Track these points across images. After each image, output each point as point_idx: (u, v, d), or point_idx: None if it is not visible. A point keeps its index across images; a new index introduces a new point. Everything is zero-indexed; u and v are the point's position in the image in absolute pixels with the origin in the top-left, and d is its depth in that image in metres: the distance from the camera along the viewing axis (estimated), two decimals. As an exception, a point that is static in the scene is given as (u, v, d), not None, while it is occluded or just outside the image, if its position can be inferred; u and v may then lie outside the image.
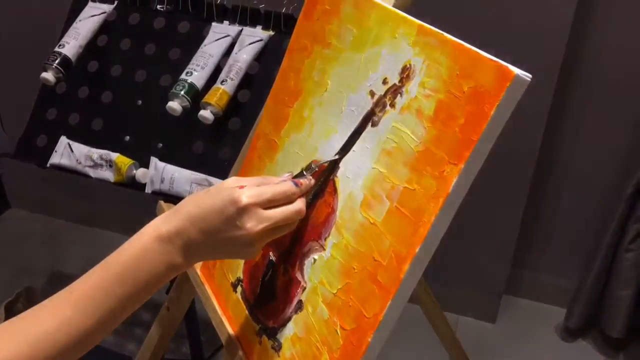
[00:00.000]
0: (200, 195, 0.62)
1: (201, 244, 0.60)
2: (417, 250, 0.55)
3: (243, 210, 0.59)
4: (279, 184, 0.63)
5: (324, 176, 0.68)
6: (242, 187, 0.60)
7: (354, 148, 0.65)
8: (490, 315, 1.74)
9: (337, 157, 0.67)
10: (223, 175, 1.01)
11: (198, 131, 1.08)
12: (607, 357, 1.61)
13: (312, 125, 0.72)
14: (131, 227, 2.15)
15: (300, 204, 0.64)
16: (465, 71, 0.53)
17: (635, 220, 1.40)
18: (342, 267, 0.63)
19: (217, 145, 1.08)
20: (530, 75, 0.49)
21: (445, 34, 0.56)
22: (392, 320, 0.58)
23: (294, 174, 0.67)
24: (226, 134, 1.07)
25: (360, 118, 0.65)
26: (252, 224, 0.59)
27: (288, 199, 0.63)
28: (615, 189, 1.51)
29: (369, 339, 0.58)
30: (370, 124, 0.63)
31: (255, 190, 0.60)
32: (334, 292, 0.63)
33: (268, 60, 1.08)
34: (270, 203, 0.61)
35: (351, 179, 0.64)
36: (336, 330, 0.62)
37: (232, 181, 0.62)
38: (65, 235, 2.10)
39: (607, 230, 1.48)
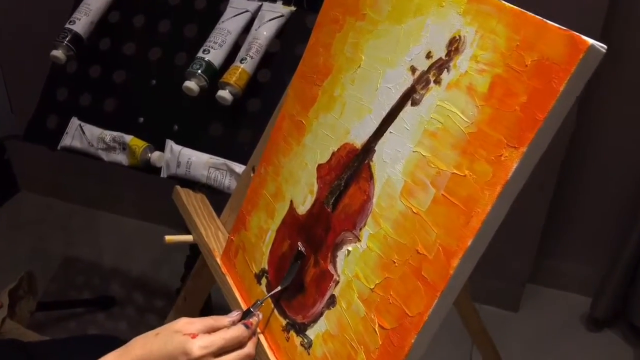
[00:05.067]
0: (149, 339, 0.63)
1: None
2: (469, 243, 0.49)
3: None
4: (231, 329, 0.65)
5: (358, 160, 0.63)
6: (194, 335, 0.62)
7: (390, 129, 0.59)
8: (513, 304, 1.68)
9: (279, 288, 0.68)
10: (243, 160, 0.96)
11: (216, 113, 1.02)
12: (634, 348, 1.56)
13: (344, 105, 0.66)
14: (146, 212, 2.11)
15: (250, 348, 0.66)
16: (528, 42, 0.47)
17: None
18: (381, 260, 0.57)
19: (236, 128, 1.02)
20: (605, 46, 0.43)
21: (503, 1, 0.49)
22: (438, 320, 0.53)
23: (244, 310, 0.69)
24: (245, 116, 1.02)
25: (399, 96, 0.59)
26: None
27: (240, 344, 0.65)
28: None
29: (412, 340, 0.53)
30: (409, 102, 0.58)
31: (207, 340, 0.62)
32: (371, 287, 0.58)
33: (289, 38, 1.02)
34: (222, 350, 0.63)
35: (389, 163, 0.58)
36: (374, 329, 0.57)
37: (182, 324, 0.63)
38: (77, 219, 2.06)
39: (637, 217, 1.41)
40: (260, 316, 0.70)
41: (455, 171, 0.51)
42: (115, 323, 1.72)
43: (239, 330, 0.65)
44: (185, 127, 1.05)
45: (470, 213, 0.49)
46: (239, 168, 0.97)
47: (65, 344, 1.05)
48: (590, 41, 0.43)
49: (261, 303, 0.70)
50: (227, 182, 0.98)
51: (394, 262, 0.56)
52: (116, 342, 1.02)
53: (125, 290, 1.82)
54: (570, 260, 1.68)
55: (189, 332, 0.62)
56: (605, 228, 1.61)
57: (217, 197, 1.00)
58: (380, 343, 0.56)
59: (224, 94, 0.97)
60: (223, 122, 1.03)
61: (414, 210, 0.55)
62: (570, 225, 1.64)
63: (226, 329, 0.65)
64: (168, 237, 0.89)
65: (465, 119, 0.51)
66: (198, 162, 1.00)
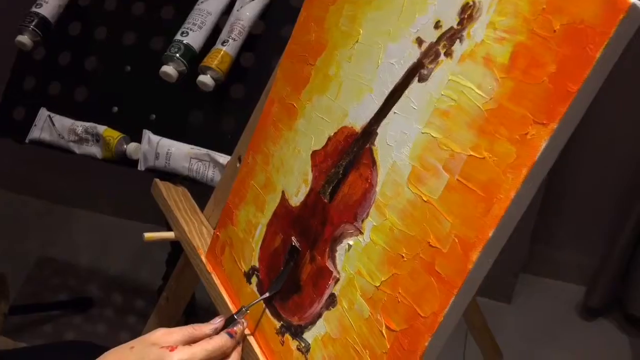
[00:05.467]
0: (124, 353, 0.57)
1: None
2: (490, 234, 0.43)
3: None
4: (213, 339, 0.60)
5: (358, 145, 0.57)
6: (172, 348, 0.57)
7: (394, 109, 0.53)
8: (506, 295, 1.65)
9: (267, 294, 0.63)
10: (227, 150, 0.89)
11: (197, 100, 0.95)
12: (630, 337, 1.53)
13: (340, 84, 0.60)
14: (124, 209, 2.02)
15: (236, 357, 0.62)
16: (556, 4, 0.41)
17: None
18: (387, 255, 0.52)
19: (219, 116, 0.95)
20: (647, 6, 0.38)
21: (524, -41, 0.44)
22: (455, 320, 0.47)
23: (226, 317, 0.64)
24: (229, 103, 0.95)
25: (404, 72, 0.53)
26: None
27: (223, 355, 0.60)
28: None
29: (426, 344, 0.47)
30: (416, 78, 0.52)
31: (187, 353, 0.57)
32: (377, 284, 0.52)
33: (274, 19, 0.95)
34: None
35: (394, 147, 0.53)
36: (381, 331, 0.51)
37: (159, 336, 0.58)
38: (52, 217, 1.97)
39: (632, 205, 1.38)
40: (246, 324, 0.65)
41: (472, 153, 0.45)
42: (94, 326, 1.64)
43: (222, 340, 0.60)
44: (164, 116, 0.98)
45: (491, 200, 0.43)
46: (223, 159, 0.90)
47: (39, 353, 0.98)
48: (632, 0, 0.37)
49: (246, 310, 0.64)
50: (211, 174, 0.92)
51: (402, 257, 0.50)
52: (93, 348, 0.95)
53: (104, 291, 1.74)
54: (564, 249, 1.65)
55: (167, 344, 0.57)
56: (600, 216, 1.58)
57: (200, 191, 0.93)
58: (389, 347, 0.50)
59: (205, 79, 0.90)
60: (204, 110, 0.96)
61: (424, 199, 0.49)
62: (564, 214, 1.61)
63: (208, 339, 0.60)
64: (147, 235, 0.82)
65: (483, 95, 0.45)
66: (178, 153, 0.93)
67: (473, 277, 0.45)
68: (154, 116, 0.98)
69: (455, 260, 0.46)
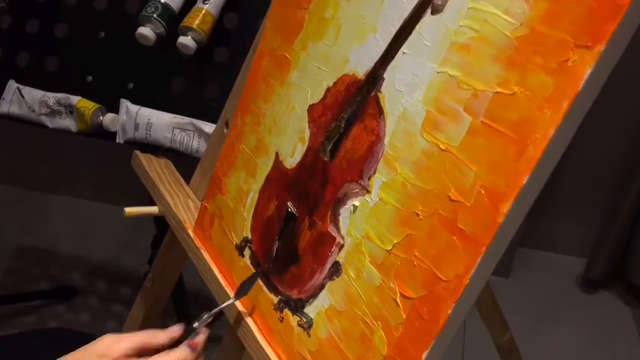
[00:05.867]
0: None
1: None
2: (524, 180, 0.37)
3: None
4: (171, 353, 0.53)
5: (361, 94, 0.50)
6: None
7: (404, 49, 0.47)
8: (504, 269, 1.60)
9: (232, 301, 0.58)
10: (212, 118, 0.82)
11: (177, 65, 0.88)
12: (632, 308, 1.50)
13: (339, 28, 0.53)
14: (105, 193, 1.92)
15: None
16: None
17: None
18: (399, 214, 0.45)
19: (202, 82, 0.88)
20: None
21: None
22: (481, 283, 0.41)
23: (185, 327, 0.57)
24: (212, 68, 0.88)
25: (413, 5, 0.46)
26: None
27: None
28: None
29: (449, 311, 0.41)
30: (429, 10, 0.45)
31: None
32: (388, 248, 0.46)
33: (259, -25, 0.88)
34: None
35: (404, 92, 0.46)
36: (395, 300, 0.45)
37: (106, 345, 0.51)
38: (29, 204, 1.88)
39: (634, 173, 1.33)
40: (207, 333, 0.57)
41: (499, 90, 0.39)
42: (77, 315, 1.57)
43: (181, 354, 0.53)
44: (142, 84, 0.90)
45: (525, 141, 0.37)
46: (209, 127, 0.83)
47: (17, 340, 0.91)
48: None
49: (208, 318, 0.57)
50: (196, 144, 0.85)
51: (418, 215, 0.44)
52: (75, 335, 0.88)
53: (87, 279, 1.66)
54: (562, 221, 1.60)
55: (116, 354, 0.51)
56: (599, 186, 1.53)
57: (185, 164, 0.86)
58: (405, 317, 0.44)
59: (186, 40, 0.82)
60: (186, 76, 0.88)
61: (442, 147, 0.43)
62: (562, 185, 1.56)
63: (165, 353, 0.53)
64: (128, 210, 0.75)
65: (511, 20, 0.39)
66: (159, 123, 0.86)
67: (503, 233, 0.39)
68: (131, 85, 0.91)
69: (482, 215, 0.40)
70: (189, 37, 0.83)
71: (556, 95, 0.36)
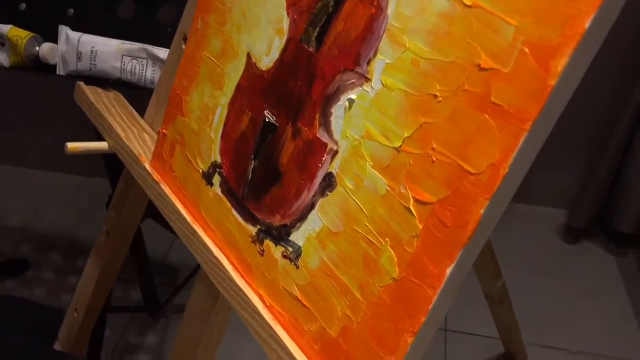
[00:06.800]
0: None
1: None
2: (586, 24, 0.28)
3: None
4: None
5: (354, -39, 0.40)
6: None
7: None
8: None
9: None
10: (167, 44, 0.71)
11: (125, -16, 0.76)
12: (615, 256, 1.45)
13: None
14: (56, 161, 1.74)
15: None
16: None
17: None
18: (410, 100, 0.36)
19: (155, 4, 0.76)
20: None
21: None
22: (524, 170, 0.32)
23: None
24: (166, -13, 0.76)
25: None
26: None
27: None
28: (625, 79, 1.30)
29: (482, 211, 0.32)
30: None
31: None
32: (397, 145, 0.36)
33: None
34: None
35: (412, -55, 0.36)
36: (407, 209, 0.36)
37: None
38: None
39: (623, 113, 1.28)
40: None
41: None
42: (30, 290, 1.44)
43: None
44: (84, 9, 0.78)
45: (586, -29, 0.28)
46: (164, 53, 0.72)
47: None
48: None
49: None
50: (150, 73, 0.73)
51: (436, 97, 0.34)
52: (23, 302, 0.77)
53: (40, 252, 1.53)
54: (543, 172, 1.55)
55: None
56: (581, 135, 1.47)
57: (138, 97, 0.75)
58: (421, 227, 0.35)
59: (134, -51, 0.70)
60: (136, -3, 0.76)
61: (467, 2, 0.33)
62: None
63: None
64: (71, 145, 0.64)
65: None
66: (106, 50, 0.74)
67: (557, 100, 0.30)
68: (71, 10, 0.78)
69: (526, 80, 0.30)
70: (137, -54, 0.71)
71: None
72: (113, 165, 1.01)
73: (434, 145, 0.35)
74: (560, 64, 0.29)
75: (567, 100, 0.30)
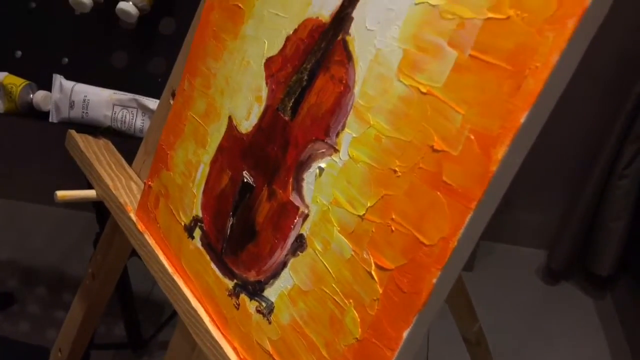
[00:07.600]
0: None
1: None
2: (522, 119, 0.32)
3: None
4: None
5: (326, 39, 0.44)
6: None
7: (374, -13, 0.41)
8: (467, 263, 1.56)
9: None
10: (156, 94, 0.74)
11: (118, 36, 0.80)
12: (593, 299, 1.48)
13: (298, -29, 0.47)
14: (45, 194, 1.77)
15: None
16: None
17: (633, 139, 1.24)
18: (373, 173, 0.39)
19: (146, 56, 0.80)
20: None
21: None
22: (471, 245, 0.35)
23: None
24: (157, 40, 0.80)
25: (385, -63, 0.40)
26: None
27: None
28: (601, 122, 1.35)
29: (434, 280, 0.35)
30: (404, -60, 0.39)
31: None
32: (361, 213, 0.40)
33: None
34: None
35: (376, 31, 0.40)
36: (369, 273, 0.39)
37: None
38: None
39: (599, 156, 1.32)
40: None
41: (490, 15, 0.34)
42: (15, 324, 1.44)
43: None
44: (78, 58, 0.81)
45: (522, 72, 0.32)
46: (154, 104, 0.75)
47: None
48: None
49: None
50: (140, 122, 0.76)
51: (395, 172, 0.38)
52: (9, 343, 0.78)
53: (26, 285, 1.54)
54: (523, 212, 1.58)
55: None
56: (559, 177, 1.52)
57: (127, 145, 0.78)
58: (381, 291, 0.38)
59: (127, 6, 0.74)
60: (128, 48, 0.80)
61: (423, 90, 0.37)
62: (522, 176, 1.54)
63: None
64: (60, 193, 0.67)
65: None
66: (98, 100, 0.77)
67: (497, 184, 0.33)
68: (66, 59, 0.82)
69: (472, 164, 0.34)
70: (130, 2, 0.75)
71: (560, 13, 0.30)
72: (100, 203, 1.03)
73: (394, 216, 0.38)
74: (500, 152, 0.32)
75: (509, 183, 0.34)
